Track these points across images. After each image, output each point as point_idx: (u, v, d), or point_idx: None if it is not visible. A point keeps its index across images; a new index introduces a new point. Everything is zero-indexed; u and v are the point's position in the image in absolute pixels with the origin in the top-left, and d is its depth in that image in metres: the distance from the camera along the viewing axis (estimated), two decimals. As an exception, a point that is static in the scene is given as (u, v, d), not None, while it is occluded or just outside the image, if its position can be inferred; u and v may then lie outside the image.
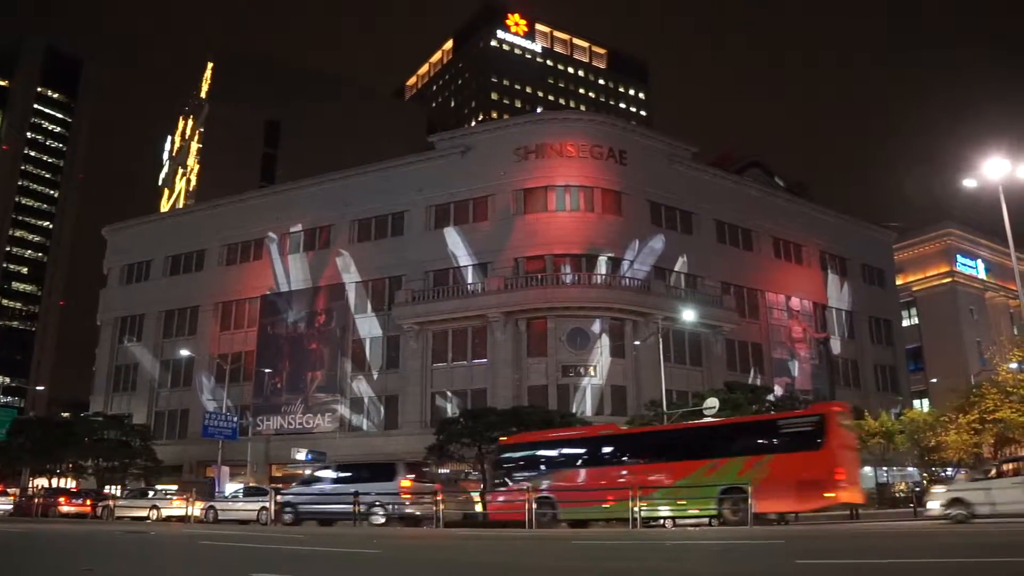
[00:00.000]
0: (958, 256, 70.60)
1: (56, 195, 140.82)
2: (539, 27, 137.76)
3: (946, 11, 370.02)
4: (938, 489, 24.23)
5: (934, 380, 62.43)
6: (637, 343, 45.20)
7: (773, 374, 51.41)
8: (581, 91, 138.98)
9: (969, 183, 28.37)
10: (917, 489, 39.21)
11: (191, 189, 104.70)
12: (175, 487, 43.41)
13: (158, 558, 13.37)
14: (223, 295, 56.55)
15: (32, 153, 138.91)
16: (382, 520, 24.85)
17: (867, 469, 45.28)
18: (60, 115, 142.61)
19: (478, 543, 16.68)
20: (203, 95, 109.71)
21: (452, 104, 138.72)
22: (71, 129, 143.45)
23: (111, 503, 37.70)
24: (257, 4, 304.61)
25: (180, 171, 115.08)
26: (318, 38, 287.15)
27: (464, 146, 51.01)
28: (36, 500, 40.59)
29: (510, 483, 26.34)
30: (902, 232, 69.15)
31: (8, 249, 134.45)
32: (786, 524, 22.96)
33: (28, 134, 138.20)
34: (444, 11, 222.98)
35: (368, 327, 50.56)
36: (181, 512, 33.36)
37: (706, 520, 23.30)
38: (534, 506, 23.23)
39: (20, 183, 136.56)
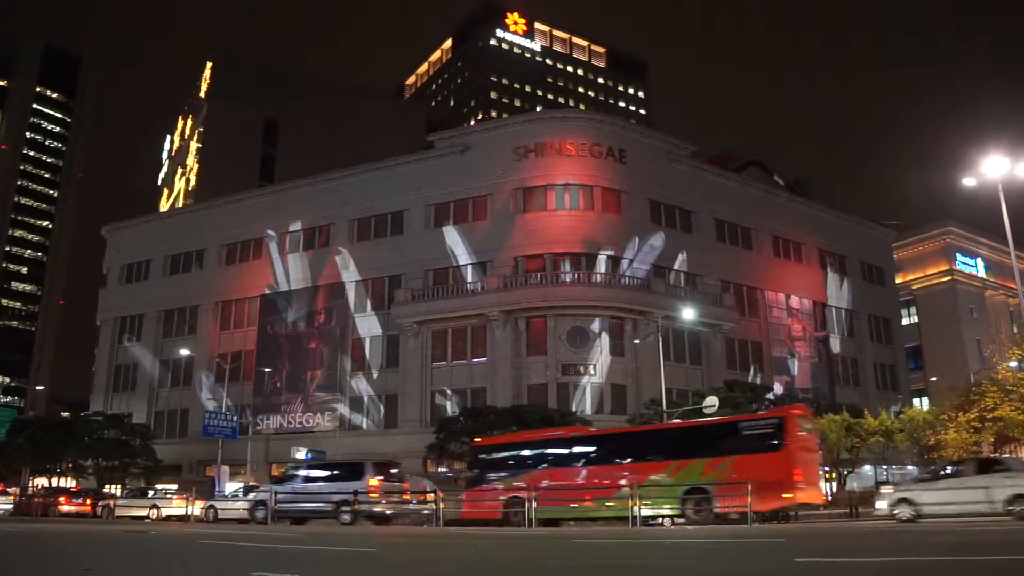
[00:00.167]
0: (958, 254, 70.59)
1: (55, 195, 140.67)
2: (538, 26, 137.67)
3: (946, 11, 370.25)
4: (887, 490, 24.70)
5: (934, 378, 62.43)
6: (637, 342, 45.21)
7: (773, 372, 51.45)
8: (580, 90, 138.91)
9: (968, 181, 28.37)
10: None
11: (190, 189, 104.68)
12: (175, 486, 43.41)
13: (158, 557, 13.38)
14: (223, 294, 56.58)
15: (31, 153, 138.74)
16: (348, 519, 25.25)
17: (867, 467, 45.38)
18: (59, 115, 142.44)
19: (477, 542, 16.68)
20: (202, 95, 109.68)
21: (451, 103, 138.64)
22: (70, 129, 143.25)
23: (111, 502, 37.73)
24: (257, 4, 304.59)
25: (179, 170, 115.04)
26: (317, 37, 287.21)
27: (463, 145, 51.02)
28: (36, 500, 40.57)
29: (484, 484, 26.73)
30: (901, 230, 69.17)
31: (8, 249, 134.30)
32: (750, 524, 23.17)
33: (27, 134, 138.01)
34: (443, 10, 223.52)
35: (368, 326, 50.57)
36: (181, 511, 33.36)
37: (666, 519, 23.90)
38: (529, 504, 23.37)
39: (19, 183, 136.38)
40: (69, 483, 52.92)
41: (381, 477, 26.48)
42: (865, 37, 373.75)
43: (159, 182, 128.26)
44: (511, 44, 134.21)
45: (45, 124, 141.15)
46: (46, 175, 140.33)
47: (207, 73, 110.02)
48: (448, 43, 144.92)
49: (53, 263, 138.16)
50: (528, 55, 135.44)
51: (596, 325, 45.66)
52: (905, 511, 21.86)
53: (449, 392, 47.01)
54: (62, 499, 38.84)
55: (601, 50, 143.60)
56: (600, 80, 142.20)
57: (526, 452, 27.32)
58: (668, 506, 23.21)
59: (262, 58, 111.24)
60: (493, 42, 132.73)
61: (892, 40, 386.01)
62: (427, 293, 48.53)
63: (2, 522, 32.02)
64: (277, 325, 53.46)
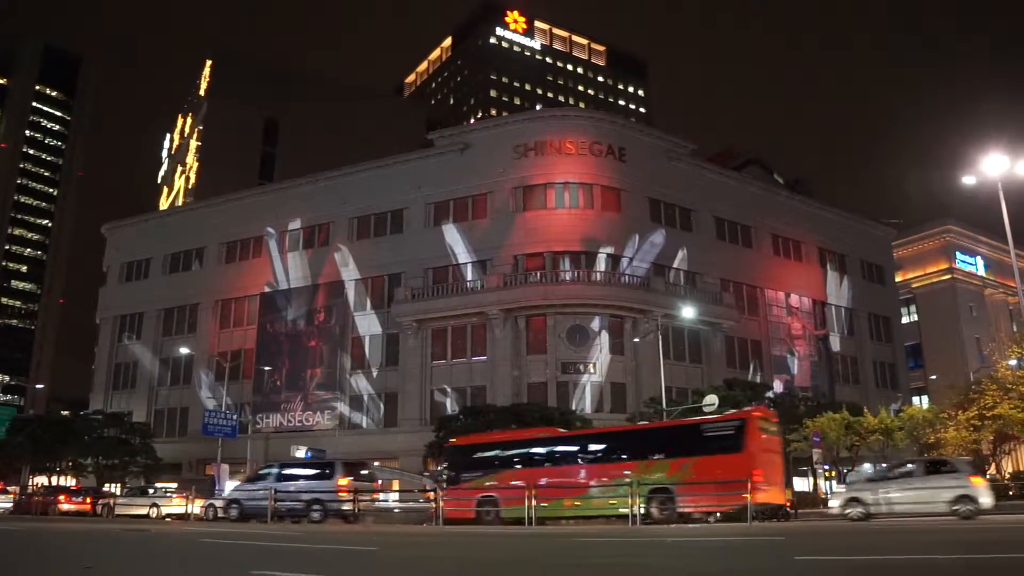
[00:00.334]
0: (957, 253, 70.60)
1: (55, 193, 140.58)
2: (538, 24, 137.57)
3: (946, 11, 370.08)
4: (839, 489, 25.12)
5: (933, 377, 62.43)
6: (637, 340, 45.24)
7: (773, 371, 51.48)
8: (580, 88, 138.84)
9: (968, 180, 28.37)
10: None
11: (190, 187, 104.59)
12: (175, 485, 43.43)
13: (158, 556, 13.38)
14: (222, 293, 56.60)
15: (31, 151, 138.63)
16: (318, 517, 25.67)
17: (867, 466, 45.34)
18: (59, 113, 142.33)
19: (476, 540, 16.70)
20: (202, 93, 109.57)
21: (451, 101, 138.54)
22: (70, 127, 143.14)
23: (111, 501, 37.72)
24: (257, 4, 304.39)
25: (179, 169, 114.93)
26: (317, 37, 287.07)
27: (463, 143, 51.01)
28: (36, 498, 40.58)
29: (459, 483, 27.13)
30: (901, 229, 69.17)
31: (7, 247, 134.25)
32: (711, 523, 23.58)
33: (27, 132, 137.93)
34: (443, 9, 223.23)
35: (367, 324, 50.58)
36: (181, 510, 33.37)
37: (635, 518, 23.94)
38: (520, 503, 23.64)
39: (19, 181, 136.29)
40: (69, 482, 52.96)
41: (350, 477, 27.04)
42: (865, 37, 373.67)
43: (159, 180, 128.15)
44: (511, 42, 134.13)
45: (45, 123, 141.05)
46: (46, 174, 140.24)
47: (207, 71, 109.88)
48: (448, 41, 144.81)
49: (53, 261, 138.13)
50: (528, 53, 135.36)
51: (596, 323, 45.68)
52: (856, 510, 22.33)
53: (449, 390, 47.03)
54: (62, 498, 38.86)
55: (601, 48, 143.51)
56: (600, 78, 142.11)
57: (499, 452, 27.68)
58: (635, 505, 23.42)
59: (262, 57, 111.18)
60: (493, 40, 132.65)
61: (892, 40, 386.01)
62: (427, 291, 48.54)
63: (2, 520, 32.01)
64: (277, 323, 53.47)
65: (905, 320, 67.20)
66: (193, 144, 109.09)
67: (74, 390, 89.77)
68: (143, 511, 34.51)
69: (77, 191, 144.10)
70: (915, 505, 21.50)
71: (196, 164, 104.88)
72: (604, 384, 45.08)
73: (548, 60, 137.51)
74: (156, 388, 58.09)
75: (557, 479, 24.75)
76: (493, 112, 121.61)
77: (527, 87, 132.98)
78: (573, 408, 42.52)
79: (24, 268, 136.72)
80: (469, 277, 48.55)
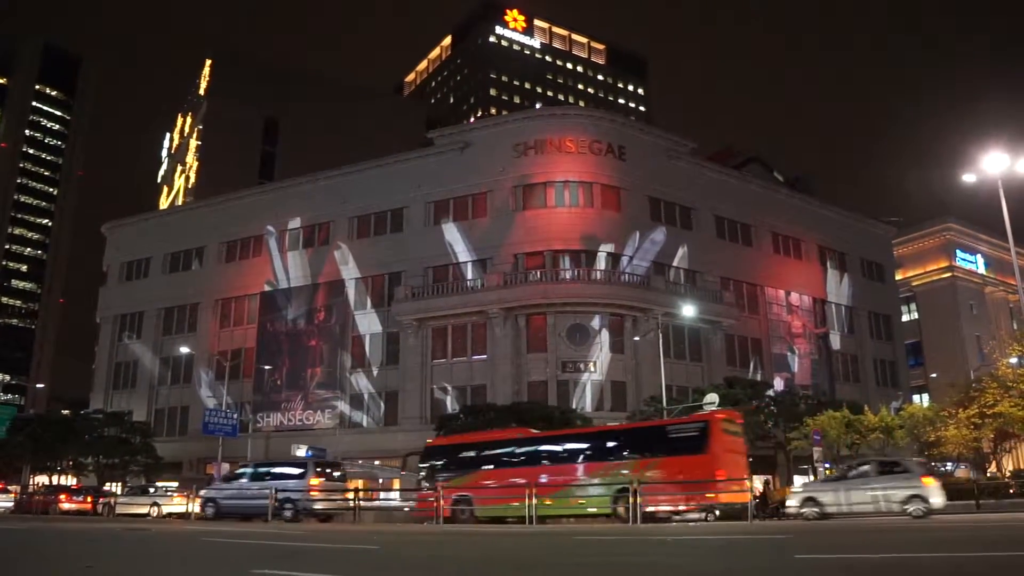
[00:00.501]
0: (957, 251, 70.60)
1: (55, 193, 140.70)
2: (538, 23, 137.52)
3: (946, 9, 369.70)
4: (796, 489, 25.83)
5: (934, 375, 62.44)
6: (637, 338, 45.24)
7: (773, 369, 51.49)
8: (580, 87, 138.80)
9: (968, 178, 28.34)
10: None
11: (190, 186, 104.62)
12: (175, 484, 43.45)
13: (159, 555, 13.37)
14: (222, 292, 56.62)
15: (31, 151, 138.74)
16: (289, 516, 26.16)
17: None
18: (59, 113, 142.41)
19: (476, 539, 16.70)
20: (202, 92, 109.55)
21: (451, 100, 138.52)
22: (70, 127, 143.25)
23: (111, 500, 37.73)
24: (257, 4, 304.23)
25: (179, 168, 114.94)
26: (317, 36, 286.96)
27: (463, 142, 51.00)
28: (36, 497, 40.61)
29: (436, 482, 27.53)
30: (901, 227, 69.16)
31: (8, 247, 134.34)
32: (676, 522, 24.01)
33: (27, 132, 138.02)
34: (443, 8, 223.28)
35: (368, 323, 50.59)
36: (182, 509, 33.39)
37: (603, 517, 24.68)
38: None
39: (19, 181, 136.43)
40: (70, 481, 53.00)
41: (322, 477, 27.66)
42: (865, 37, 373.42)
43: (159, 179, 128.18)
44: (511, 41, 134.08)
45: (45, 122, 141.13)
46: (46, 173, 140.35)
47: (207, 71, 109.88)
48: (448, 40, 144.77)
49: (53, 261, 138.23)
50: (528, 52, 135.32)
51: (596, 322, 45.68)
52: (812, 510, 22.88)
53: (449, 389, 47.05)
54: (63, 497, 38.88)
55: (601, 47, 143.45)
56: (600, 77, 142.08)
57: (475, 453, 28.16)
58: (599, 505, 24.29)
59: (262, 57, 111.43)
60: (493, 39, 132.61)
61: (892, 40, 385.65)
62: (427, 290, 48.55)
63: (3, 520, 32.02)
64: (277, 322, 53.49)
65: (905, 318, 67.20)
66: (193, 143, 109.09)
67: (74, 389, 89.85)
68: (144, 510, 34.53)
69: (77, 191, 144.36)
70: (869, 505, 21.93)
71: (196, 163, 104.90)
72: (604, 383, 45.09)
73: (548, 59, 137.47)
74: (156, 387, 58.11)
75: (531, 479, 25.06)
76: (493, 111, 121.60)
77: (527, 86, 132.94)
78: (573, 407, 42.53)
79: (24, 267, 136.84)
80: (469, 276, 48.56)
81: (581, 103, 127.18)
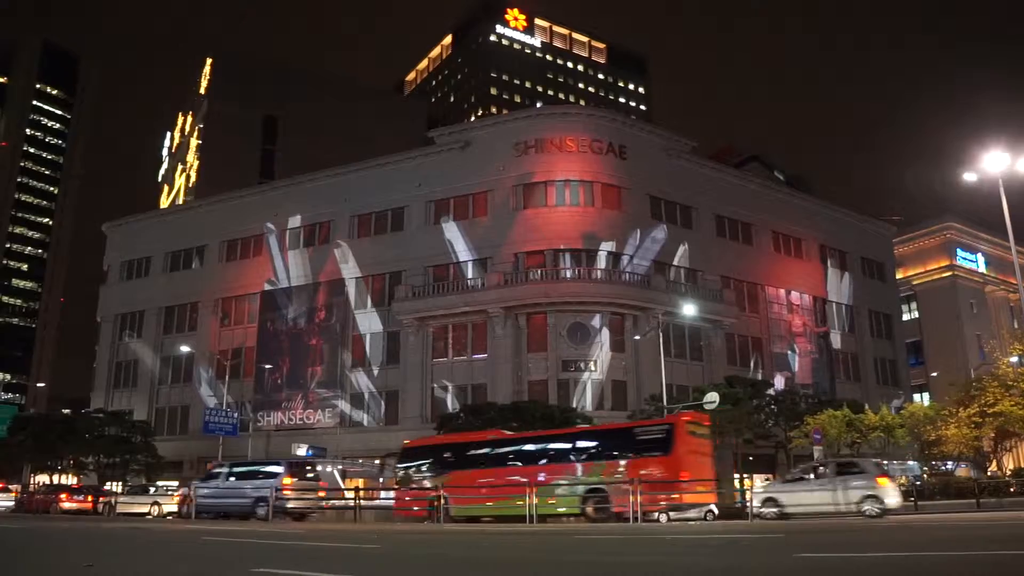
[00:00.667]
0: (958, 250, 70.57)
1: (55, 192, 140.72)
2: (538, 22, 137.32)
3: (946, 9, 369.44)
4: (757, 490, 26.49)
5: (934, 374, 62.45)
6: (637, 338, 45.22)
7: (773, 368, 51.46)
8: (580, 86, 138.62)
9: (969, 177, 28.30)
10: (917, 483, 39.22)
11: (190, 185, 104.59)
12: (176, 483, 43.49)
13: (159, 554, 13.38)
14: (223, 291, 56.61)
15: (31, 150, 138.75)
16: (263, 514, 26.70)
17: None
18: (59, 112, 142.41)
19: (476, 539, 16.70)
20: (202, 91, 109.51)
21: (451, 99, 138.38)
22: (70, 126, 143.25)
23: (112, 499, 37.75)
24: (256, 2, 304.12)
25: (179, 167, 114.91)
26: (317, 34, 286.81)
27: (463, 141, 50.98)
28: (37, 496, 40.62)
29: (413, 483, 28.40)
30: (902, 226, 69.15)
31: (8, 246, 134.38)
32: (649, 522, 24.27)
33: (27, 131, 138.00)
34: (443, 7, 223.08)
35: (368, 322, 50.59)
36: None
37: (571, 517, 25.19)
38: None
39: (19, 180, 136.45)
40: (70, 480, 53.04)
41: (295, 477, 28.25)
42: (865, 37, 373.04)
43: (159, 179, 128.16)
44: (511, 40, 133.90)
45: (45, 121, 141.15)
46: (46, 172, 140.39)
47: (207, 70, 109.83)
48: (448, 39, 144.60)
49: (53, 260, 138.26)
50: (528, 51, 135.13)
51: (596, 321, 45.67)
52: (771, 510, 23.44)
53: (450, 388, 47.04)
54: (63, 496, 38.88)
55: (601, 46, 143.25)
56: (600, 76, 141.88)
57: (450, 454, 28.71)
58: (569, 505, 24.79)
59: (262, 56, 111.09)
60: (493, 38, 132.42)
61: (892, 40, 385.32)
62: (427, 289, 48.53)
63: (3, 519, 32.04)
64: (278, 322, 53.49)
65: (906, 317, 67.18)
66: (193, 142, 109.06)
67: (75, 389, 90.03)
68: (144, 509, 34.57)
69: (77, 189, 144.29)
70: (827, 505, 22.30)
71: (196, 162, 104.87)
72: (605, 382, 45.08)
73: (548, 58, 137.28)
74: (157, 386, 58.12)
75: (505, 479, 25.71)
76: (493, 110, 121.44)
77: (527, 85, 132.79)
78: (574, 406, 42.52)
79: (25, 266, 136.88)
80: (470, 275, 48.55)
81: (582, 102, 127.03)
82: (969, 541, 12.51)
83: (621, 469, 24.07)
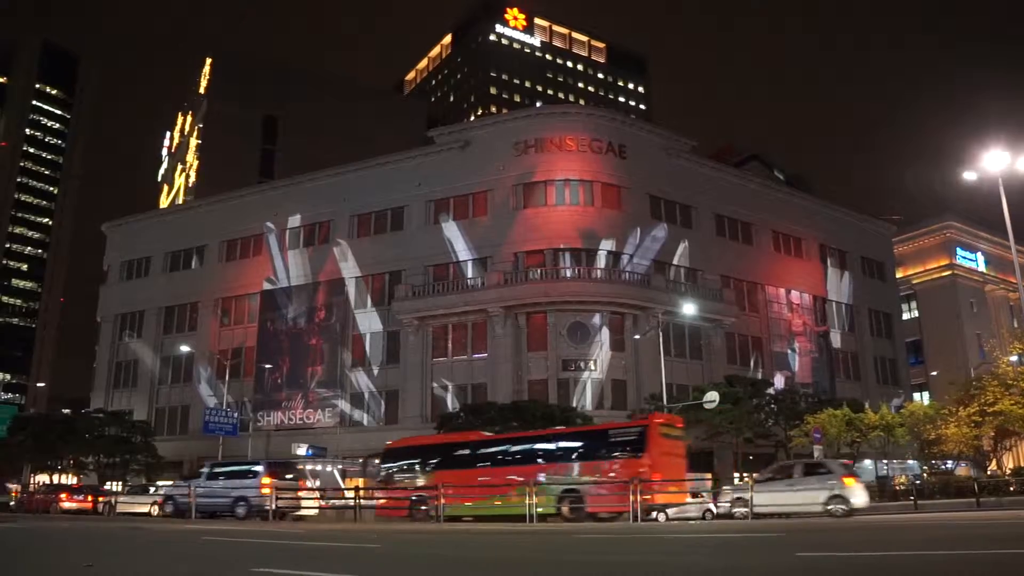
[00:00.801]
0: (958, 249, 70.58)
1: (55, 192, 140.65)
2: (538, 21, 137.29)
3: (946, 9, 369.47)
4: (727, 488, 27.05)
5: (934, 373, 62.48)
6: (637, 337, 45.22)
7: (773, 367, 51.47)
8: (580, 85, 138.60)
9: (969, 176, 28.30)
10: (917, 482, 39.24)
11: (190, 185, 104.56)
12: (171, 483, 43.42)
13: (159, 554, 13.37)
14: (223, 291, 56.61)
15: (31, 150, 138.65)
16: (242, 514, 27.11)
17: (867, 462, 45.39)
18: (58, 111, 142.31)
19: (475, 538, 16.70)
20: (202, 91, 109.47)
21: (451, 99, 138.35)
22: (69, 126, 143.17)
23: (112, 499, 37.75)
24: (257, 2, 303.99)
25: (179, 167, 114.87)
26: (317, 34, 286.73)
27: (463, 140, 50.97)
28: (37, 496, 40.61)
29: (396, 482, 29.03)
30: (902, 225, 69.15)
31: (8, 246, 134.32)
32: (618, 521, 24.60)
33: (27, 131, 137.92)
34: (443, 6, 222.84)
35: (368, 322, 50.59)
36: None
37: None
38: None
39: (19, 180, 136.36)
40: (70, 480, 53.03)
41: (274, 477, 28.61)
42: (864, 36, 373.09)
43: (159, 178, 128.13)
44: (511, 40, 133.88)
45: (45, 121, 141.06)
46: (46, 172, 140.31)
47: (207, 69, 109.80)
48: (448, 39, 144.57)
49: (53, 260, 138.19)
50: (528, 50, 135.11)
51: (596, 320, 45.67)
52: (741, 510, 23.90)
53: (450, 388, 47.03)
54: (63, 496, 38.87)
55: (601, 45, 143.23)
56: (600, 75, 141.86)
57: (431, 455, 29.23)
58: (546, 505, 25.18)
59: (262, 56, 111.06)
60: (493, 38, 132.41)
61: (892, 39, 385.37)
62: (427, 289, 48.52)
63: (3, 519, 32.03)
64: (277, 321, 53.49)
65: (906, 316, 67.20)
66: (193, 142, 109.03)
67: (75, 389, 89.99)
68: (144, 509, 34.52)
69: (77, 189, 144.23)
70: (795, 505, 22.67)
71: (196, 162, 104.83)
72: (605, 381, 45.07)
73: (548, 57, 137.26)
74: (157, 386, 58.12)
75: (483, 480, 26.16)
76: (493, 109, 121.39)
77: (527, 84, 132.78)
78: (574, 405, 42.53)
79: (25, 266, 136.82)
80: (469, 274, 48.55)
81: (581, 101, 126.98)
82: (969, 540, 12.51)
83: (596, 469, 24.73)
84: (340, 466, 44.69)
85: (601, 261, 46.98)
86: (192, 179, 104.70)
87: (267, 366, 51.44)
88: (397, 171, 52.29)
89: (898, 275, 67.12)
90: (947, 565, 9.10)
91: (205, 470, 30.95)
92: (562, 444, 27.34)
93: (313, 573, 9.54)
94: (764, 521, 22.13)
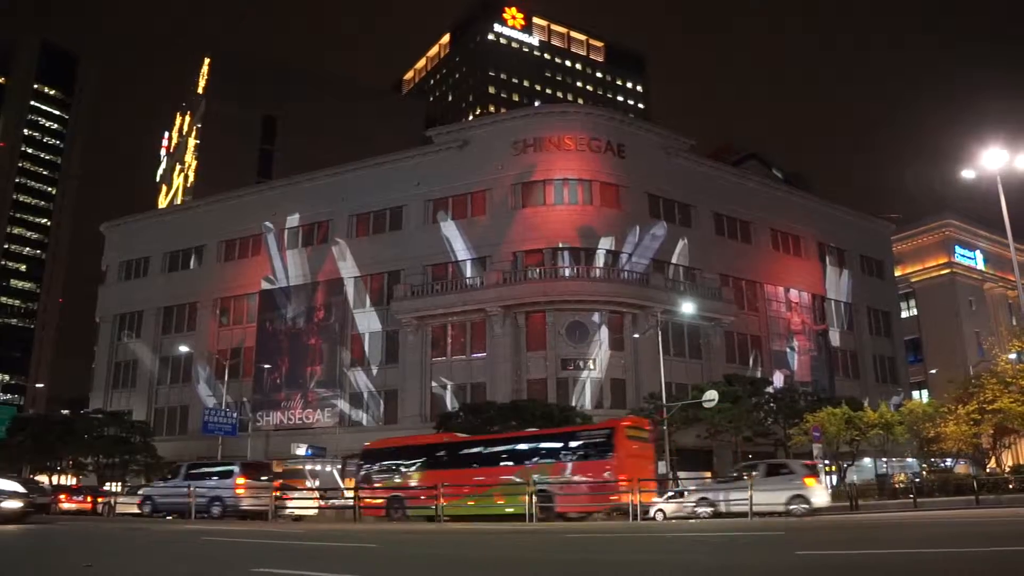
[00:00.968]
0: (956, 247, 70.60)
1: (54, 192, 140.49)
2: (536, 20, 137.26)
3: (946, 9, 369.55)
4: (691, 488, 27.68)
5: (933, 371, 62.53)
6: (636, 336, 45.22)
7: (772, 366, 51.47)
8: (578, 84, 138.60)
9: (967, 174, 28.30)
10: (917, 480, 39.28)
11: (189, 185, 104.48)
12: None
13: (159, 554, 13.36)
14: (222, 291, 56.58)
15: (29, 150, 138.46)
16: (217, 513, 27.36)
17: (867, 460, 45.43)
18: (57, 112, 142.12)
19: (474, 538, 16.70)
20: (200, 91, 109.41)
21: (449, 98, 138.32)
22: (68, 126, 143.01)
23: (111, 500, 37.71)
24: (257, 2, 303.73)
25: (177, 167, 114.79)
26: (315, 34, 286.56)
27: (462, 140, 50.95)
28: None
29: (372, 483, 29.52)
30: (900, 223, 69.14)
31: (6, 246, 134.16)
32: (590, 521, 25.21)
33: (25, 131, 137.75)
34: (441, 5, 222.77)
35: (367, 322, 50.57)
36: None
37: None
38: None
39: (17, 180, 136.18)
40: (69, 481, 52.98)
41: (248, 478, 28.93)
42: (864, 36, 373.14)
43: (157, 179, 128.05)
44: (509, 39, 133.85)
45: (43, 121, 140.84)
46: (44, 172, 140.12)
47: (205, 69, 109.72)
48: (446, 38, 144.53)
49: (52, 260, 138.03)
50: (526, 50, 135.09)
51: (595, 319, 45.66)
52: (705, 509, 24.57)
53: (449, 387, 47.02)
54: (62, 496, 38.80)
55: (599, 44, 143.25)
56: (598, 74, 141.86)
57: (407, 456, 29.89)
58: (516, 506, 25.60)
59: (260, 56, 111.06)
60: (491, 37, 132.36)
61: (892, 37, 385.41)
62: (426, 289, 48.50)
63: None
64: (276, 321, 53.47)
65: (905, 314, 67.23)
66: (191, 142, 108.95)
67: (74, 389, 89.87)
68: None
69: (75, 190, 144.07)
70: (757, 504, 22.88)
71: (194, 162, 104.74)
72: (604, 380, 45.07)
73: (546, 56, 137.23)
74: (156, 386, 58.09)
75: (457, 481, 26.57)
76: (492, 109, 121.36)
77: (525, 83, 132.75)
78: (573, 404, 42.52)
79: (23, 267, 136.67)
80: (468, 274, 48.54)
81: (580, 100, 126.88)
82: (969, 538, 12.51)
83: (566, 471, 25.42)
84: (339, 466, 44.70)
85: (600, 260, 46.97)
86: (191, 179, 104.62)
87: (266, 366, 51.41)
88: (396, 171, 52.27)
89: (897, 273, 67.14)
90: (947, 563, 9.10)
91: (182, 470, 31.21)
92: (533, 446, 27.92)
93: (313, 573, 9.54)
94: (767, 520, 22.13)
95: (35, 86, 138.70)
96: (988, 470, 37.09)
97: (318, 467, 45.48)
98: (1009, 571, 8.43)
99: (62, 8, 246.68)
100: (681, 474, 39.39)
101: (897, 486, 41.36)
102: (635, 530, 18.92)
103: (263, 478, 30.24)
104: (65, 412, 62.94)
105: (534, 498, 23.36)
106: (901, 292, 67.99)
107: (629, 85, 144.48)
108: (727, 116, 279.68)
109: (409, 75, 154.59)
